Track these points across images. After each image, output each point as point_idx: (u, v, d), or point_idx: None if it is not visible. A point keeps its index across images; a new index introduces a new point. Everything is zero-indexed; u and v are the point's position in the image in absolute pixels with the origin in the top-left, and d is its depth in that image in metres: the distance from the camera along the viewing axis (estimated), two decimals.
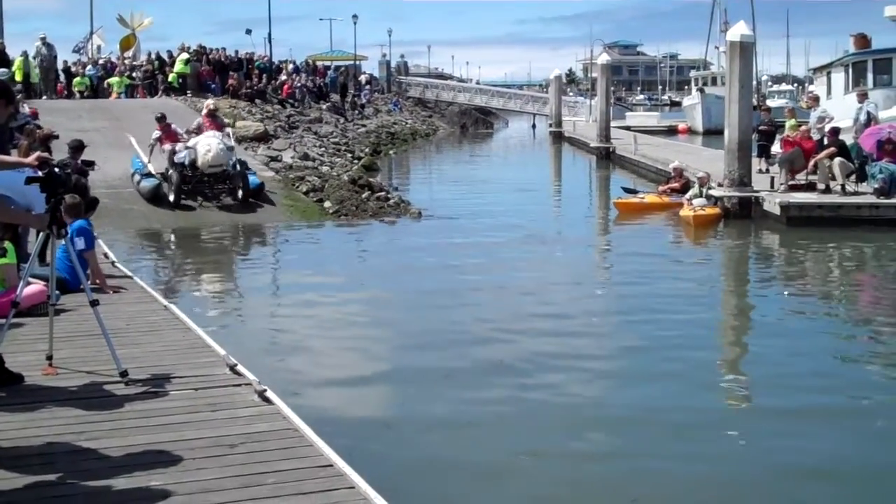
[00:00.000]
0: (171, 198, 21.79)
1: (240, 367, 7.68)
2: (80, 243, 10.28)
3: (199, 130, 22.94)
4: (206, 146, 21.83)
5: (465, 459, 8.06)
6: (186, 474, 5.60)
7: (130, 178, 22.95)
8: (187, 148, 22.05)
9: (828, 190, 21.92)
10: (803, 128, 24.03)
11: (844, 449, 8.41)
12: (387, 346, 11.96)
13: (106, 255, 13.13)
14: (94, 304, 7.53)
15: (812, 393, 9.94)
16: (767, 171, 24.58)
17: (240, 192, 22.35)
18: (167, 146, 22.41)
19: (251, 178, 22.95)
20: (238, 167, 22.60)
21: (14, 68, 35.58)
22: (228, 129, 24.71)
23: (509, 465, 7.93)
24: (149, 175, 22.43)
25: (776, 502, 7.47)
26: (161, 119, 23.54)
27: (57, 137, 15.70)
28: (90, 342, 8.29)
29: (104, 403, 6.91)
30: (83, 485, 5.45)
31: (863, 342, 12.45)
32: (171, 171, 21.99)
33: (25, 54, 37.96)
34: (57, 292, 8.24)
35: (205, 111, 24.22)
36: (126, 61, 46.12)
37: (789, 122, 25.48)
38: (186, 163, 21.97)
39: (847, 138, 22.72)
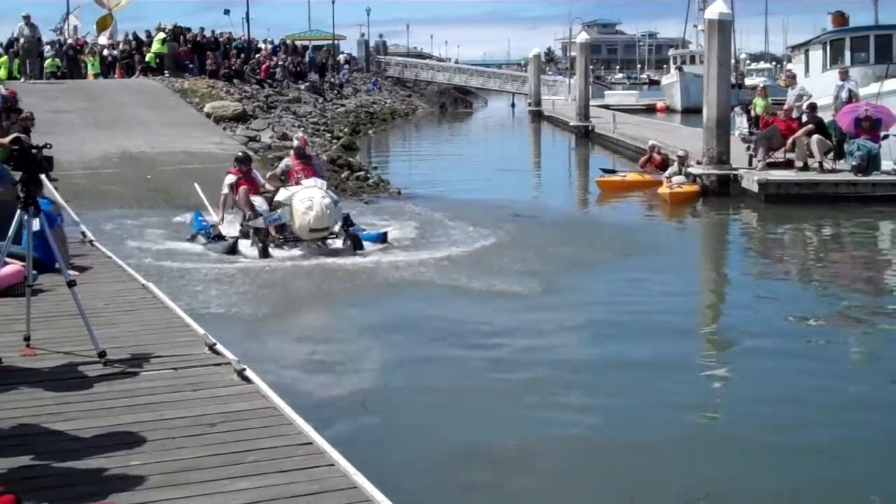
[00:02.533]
0: (259, 255, 15.46)
1: (219, 347, 7.66)
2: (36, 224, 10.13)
3: (285, 176, 16.76)
4: (307, 202, 15.41)
5: (444, 437, 8.10)
6: (166, 454, 5.60)
7: (190, 237, 16.92)
8: (278, 205, 15.92)
9: (805, 167, 22.01)
10: (785, 107, 24.09)
11: (819, 420, 8.49)
12: (366, 325, 11.94)
13: (84, 235, 13.06)
14: (71, 284, 7.49)
15: (787, 375, 9.98)
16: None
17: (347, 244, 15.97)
18: (241, 198, 16.75)
19: (365, 233, 16.52)
20: (346, 224, 16.23)
21: None
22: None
23: (488, 442, 7.96)
24: (219, 237, 16.30)
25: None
26: (244, 160, 17.44)
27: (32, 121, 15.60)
28: (68, 322, 8.24)
29: (82, 384, 6.88)
30: (61, 465, 5.43)
31: (835, 317, 12.55)
32: (252, 237, 16.05)
33: None
34: (34, 272, 8.20)
35: (296, 142, 17.87)
36: (101, 40, 45.82)
37: (761, 102, 25.54)
38: (285, 224, 15.89)
39: (826, 116, 22.80)
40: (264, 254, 15.42)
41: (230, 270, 14.41)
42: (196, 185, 18.73)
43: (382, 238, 16.49)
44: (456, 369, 9.93)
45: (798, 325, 12.01)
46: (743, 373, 10.15)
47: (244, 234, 16.29)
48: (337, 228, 15.89)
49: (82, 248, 12.36)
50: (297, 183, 16.18)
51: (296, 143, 17.89)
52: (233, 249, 15.68)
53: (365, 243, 15.94)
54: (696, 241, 18.71)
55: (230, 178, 17.01)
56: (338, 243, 15.95)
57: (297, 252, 15.64)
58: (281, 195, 16.01)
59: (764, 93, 26.14)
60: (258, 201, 16.51)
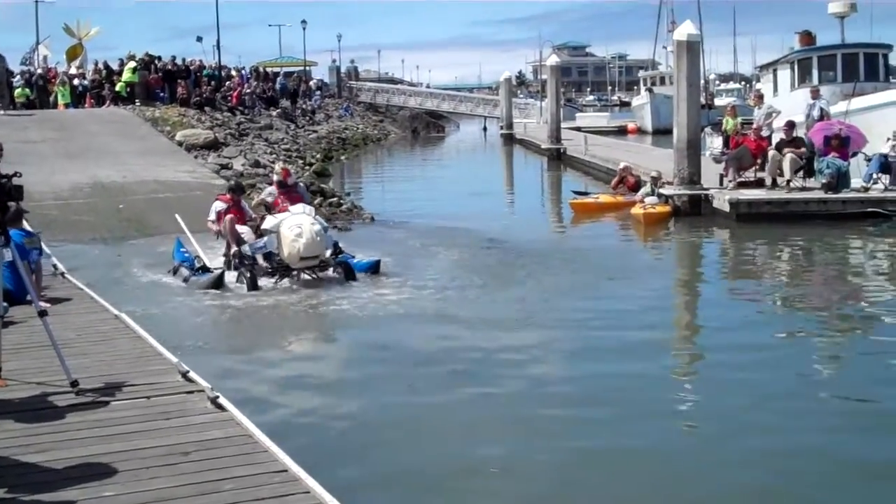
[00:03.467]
0: (247, 288, 14.82)
1: (192, 374, 7.62)
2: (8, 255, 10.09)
3: (270, 205, 16.32)
4: (296, 229, 14.82)
5: (422, 463, 8.05)
6: (140, 483, 5.56)
7: (172, 270, 16.19)
8: (265, 233, 15.30)
9: (774, 183, 22.17)
10: (754, 126, 24.27)
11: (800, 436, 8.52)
12: (342, 351, 11.93)
13: (55, 267, 12.98)
14: (42, 314, 7.44)
15: (759, 386, 10.03)
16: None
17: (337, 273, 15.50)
18: (226, 226, 15.84)
19: (357, 262, 15.84)
20: (335, 252, 15.70)
21: None
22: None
23: (466, 469, 7.89)
24: (203, 269, 15.62)
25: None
26: (236, 190, 16.86)
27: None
28: (39, 353, 8.20)
29: (54, 414, 6.84)
30: (33, 498, 5.39)
31: (807, 333, 12.64)
32: (239, 269, 15.31)
33: None
34: (5, 304, 8.13)
35: (276, 176, 16.99)
36: (72, 69, 45.71)
37: (731, 121, 25.72)
38: (272, 253, 15.24)
39: (797, 133, 22.96)
40: (252, 286, 14.78)
41: (207, 301, 14.31)
42: (177, 216, 18.00)
43: (375, 267, 15.82)
44: (436, 396, 9.82)
45: (771, 341, 12.05)
46: (718, 386, 10.20)
47: (229, 265, 15.62)
48: (327, 255, 15.34)
49: (54, 281, 12.28)
50: (277, 212, 15.65)
51: (275, 177, 16.95)
52: (219, 282, 14.94)
53: (357, 272, 15.39)
54: (670, 262, 18.76)
55: (218, 206, 16.21)
56: (328, 272, 15.41)
57: (286, 283, 15.09)
58: (268, 223, 15.35)
59: (733, 112, 26.33)
60: (244, 231, 15.82)
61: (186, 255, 16.41)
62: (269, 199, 16.40)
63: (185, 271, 15.79)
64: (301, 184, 18.08)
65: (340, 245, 16.04)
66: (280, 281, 15.13)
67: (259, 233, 15.57)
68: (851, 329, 12.87)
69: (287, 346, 12.07)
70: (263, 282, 15.01)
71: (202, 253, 16.11)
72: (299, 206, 15.50)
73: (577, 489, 7.54)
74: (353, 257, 15.97)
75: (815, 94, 24.30)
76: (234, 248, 15.53)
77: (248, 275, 14.90)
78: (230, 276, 15.15)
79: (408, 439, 8.61)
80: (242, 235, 15.72)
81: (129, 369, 7.98)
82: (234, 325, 13.16)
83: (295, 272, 15.16)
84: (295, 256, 14.84)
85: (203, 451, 6.06)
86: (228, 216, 15.78)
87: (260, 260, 15.35)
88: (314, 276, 15.24)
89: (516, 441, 8.47)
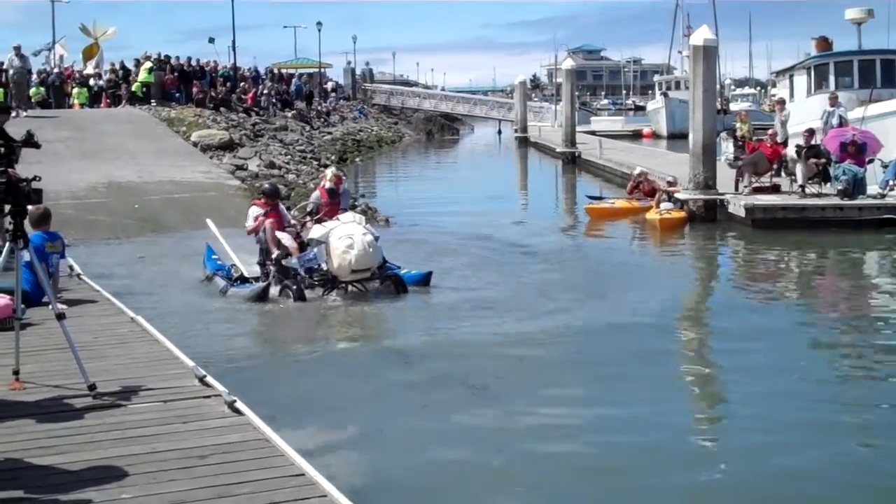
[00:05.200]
0: (293, 301, 14.04)
1: (209, 379, 7.64)
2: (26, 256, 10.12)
3: (316, 212, 15.50)
4: (346, 240, 13.89)
5: (437, 468, 8.07)
6: (157, 486, 5.57)
7: (206, 279, 15.57)
8: (314, 243, 14.34)
9: (790, 174, 22.23)
10: (770, 132, 24.26)
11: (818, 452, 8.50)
12: (358, 355, 11.92)
13: (71, 268, 13.01)
14: (60, 317, 7.47)
15: (777, 397, 10.02)
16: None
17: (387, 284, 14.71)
18: (266, 233, 14.77)
19: (407, 273, 15.05)
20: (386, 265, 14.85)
21: None
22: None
23: (483, 477, 7.92)
24: (242, 280, 14.99)
25: None
26: (272, 194, 15.52)
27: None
28: (57, 356, 8.22)
29: (72, 417, 6.86)
30: (52, 499, 5.40)
31: (824, 342, 12.63)
32: (283, 281, 14.39)
33: None
34: (22, 306, 8.17)
35: (325, 183, 16.17)
36: (88, 69, 45.86)
37: (743, 127, 25.68)
38: (314, 267, 14.40)
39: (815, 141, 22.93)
40: (299, 297, 13.99)
41: (226, 304, 14.29)
42: (209, 222, 17.21)
43: (426, 279, 15.05)
44: (454, 410, 9.69)
45: (789, 350, 12.01)
46: (733, 394, 10.25)
47: (266, 275, 14.75)
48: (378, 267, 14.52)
49: (69, 282, 12.31)
50: (320, 222, 14.81)
51: (327, 184, 16.08)
52: (264, 295, 14.13)
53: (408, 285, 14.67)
54: (687, 268, 18.65)
55: (255, 211, 15.11)
56: (375, 284, 14.62)
57: (333, 296, 14.30)
58: (316, 232, 14.35)
59: (745, 117, 26.27)
60: (284, 237, 14.77)
61: (220, 263, 15.73)
62: (311, 207, 15.68)
63: (221, 281, 15.08)
64: (347, 190, 17.20)
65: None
66: (327, 293, 14.32)
67: (306, 243, 14.61)
68: (868, 336, 12.81)
69: (307, 352, 12.06)
70: (309, 294, 14.21)
71: (238, 261, 15.44)
72: (349, 215, 14.77)
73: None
74: (400, 268, 15.12)
75: (834, 102, 24.27)
76: (275, 253, 14.58)
77: (294, 287, 14.08)
78: (273, 289, 14.34)
79: (424, 446, 8.61)
80: (284, 243, 14.72)
81: (146, 373, 7.99)
82: (253, 330, 13.17)
83: (342, 284, 14.35)
84: (346, 269, 13.98)
85: (220, 455, 6.07)
86: (268, 221, 14.80)
87: (301, 272, 14.45)
88: (362, 288, 14.50)
89: (528, 453, 8.44)
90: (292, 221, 15.39)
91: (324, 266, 14.30)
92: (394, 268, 14.94)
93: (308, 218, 15.40)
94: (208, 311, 13.85)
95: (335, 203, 15.61)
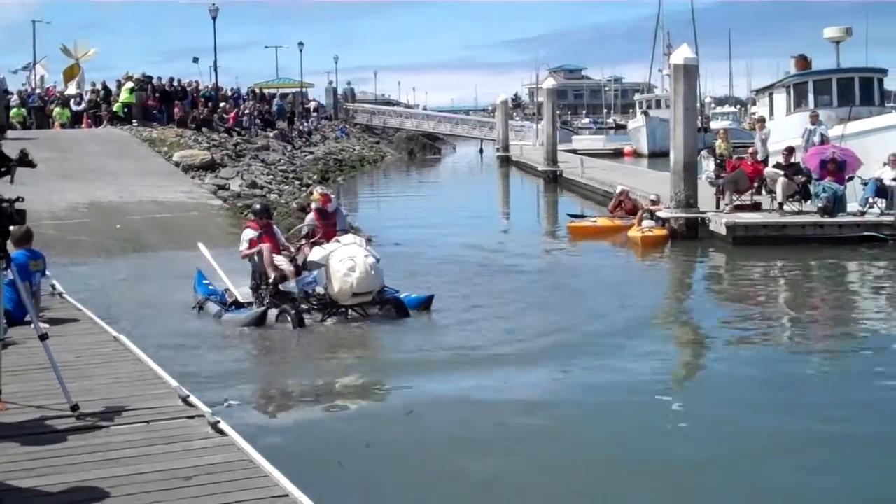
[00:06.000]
0: (292, 327, 13.54)
1: (192, 399, 7.60)
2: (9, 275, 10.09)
3: (311, 235, 14.99)
4: (348, 262, 13.45)
5: (422, 486, 8.05)
6: None
7: (197, 306, 14.92)
8: (313, 266, 13.85)
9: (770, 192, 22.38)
10: (750, 150, 24.41)
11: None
12: (340, 374, 11.89)
13: (53, 287, 12.95)
14: (43, 337, 7.43)
15: (753, 410, 10.06)
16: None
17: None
18: (263, 257, 14.31)
19: (408, 297, 14.64)
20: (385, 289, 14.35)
21: None
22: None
23: (471, 494, 7.90)
24: (236, 305, 14.64)
25: None
26: (263, 213, 15.12)
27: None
28: (39, 376, 8.17)
29: (55, 438, 6.81)
30: None
31: (804, 358, 12.72)
32: (281, 306, 13.90)
33: None
34: (5, 325, 8.12)
35: (314, 204, 15.69)
36: (69, 90, 45.77)
37: (723, 145, 25.80)
38: (314, 291, 14.00)
39: (794, 158, 23.07)
40: (299, 323, 13.48)
41: (210, 325, 14.22)
42: (201, 246, 16.74)
43: (427, 303, 14.65)
44: (441, 428, 9.72)
45: (769, 366, 12.08)
46: (716, 408, 10.23)
47: (260, 299, 14.29)
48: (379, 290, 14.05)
49: (52, 301, 12.25)
50: (318, 244, 14.34)
51: (314, 204, 15.67)
52: (261, 320, 13.68)
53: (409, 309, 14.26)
54: (669, 286, 18.71)
55: (249, 234, 14.57)
56: (375, 310, 14.15)
57: (332, 321, 13.84)
58: (315, 254, 13.83)
59: (725, 136, 26.38)
60: (281, 261, 14.37)
61: (212, 287, 15.28)
62: (306, 230, 15.22)
63: (214, 307, 14.61)
64: (342, 210, 16.40)
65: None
66: (327, 318, 13.86)
67: (306, 266, 14.11)
68: (849, 352, 12.93)
69: (295, 374, 12.02)
70: (308, 319, 13.78)
71: (232, 286, 15.00)
72: (349, 237, 14.35)
73: None
74: (398, 292, 14.63)
75: (815, 120, 24.42)
76: (272, 277, 14.10)
77: (293, 311, 13.61)
78: (271, 314, 13.88)
79: (408, 469, 8.59)
80: (280, 266, 14.30)
81: (129, 392, 7.95)
82: (236, 351, 13.07)
83: (342, 309, 13.92)
84: (347, 292, 13.52)
85: (204, 476, 6.04)
86: (265, 245, 14.31)
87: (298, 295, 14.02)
88: (363, 313, 14.05)
89: (515, 465, 8.46)
90: (286, 244, 15.00)
91: (320, 290, 13.83)
92: (392, 291, 14.47)
93: (304, 241, 14.89)
94: (192, 332, 13.79)
95: (330, 224, 15.10)
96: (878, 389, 11.08)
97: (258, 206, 15.71)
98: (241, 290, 14.84)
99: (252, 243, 14.43)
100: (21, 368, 8.64)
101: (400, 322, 14.02)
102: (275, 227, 15.29)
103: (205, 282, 15.49)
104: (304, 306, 13.92)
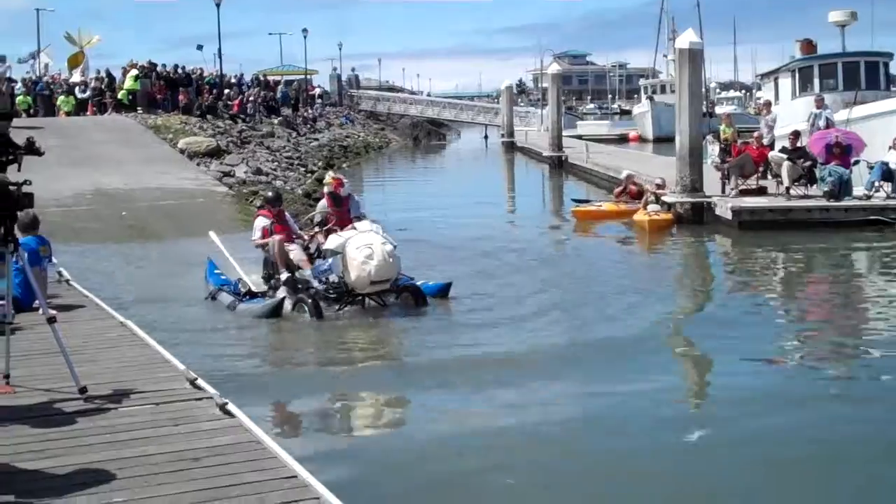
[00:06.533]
0: (309, 316, 13.24)
1: (200, 381, 7.62)
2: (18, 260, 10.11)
3: (324, 223, 14.63)
4: (365, 250, 13.03)
5: (430, 468, 8.08)
6: (149, 489, 5.56)
7: (210, 296, 14.74)
8: (328, 253, 13.48)
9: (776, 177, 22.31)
10: (756, 134, 24.37)
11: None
12: (348, 358, 11.92)
13: (60, 274, 12.98)
14: (51, 320, 7.45)
15: (762, 401, 10.02)
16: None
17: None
18: (273, 250, 14.08)
19: (425, 285, 14.29)
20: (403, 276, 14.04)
21: None
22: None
23: (476, 477, 7.92)
24: (251, 296, 14.29)
25: None
26: (275, 200, 14.94)
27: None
28: (48, 360, 8.19)
29: (64, 420, 6.84)
30: (44, 503, 5.38)
31: (811, 343, 12.70)
32: (298, 295, 13.64)
33: None
34: (13, 311, 8.15)
35: (327, 188, 15.31)
36: (74, 77, 45.78)
37: (727, 129, 25.74)
38: (329, 279, 13.55)
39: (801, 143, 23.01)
40: (316, 314, 13.15)
41: (217, 309, 14.21)
42: (212, 234, 16.43)
43: (445, 290, 14.36)
44: (450, 412, 9.71)
45: (776, 352, 12.05)
46: (720, 400, 10.27)
47: (273, 289, 14.05)
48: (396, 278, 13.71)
49: (59, 288, 12.27)
50: (332, 232, 13.96)
51: (326, 188, 15.24)
52: (278, 311, 13.41)
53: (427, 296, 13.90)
54: (676, 270, 18.61)
55: (262, 222, 14.38)
56: (390, 298, 13.88)
57: (349, 310, 13.57)
58: (332, 242, 13.39)
59: (729, 121, 26.32)
60: (293, 249, 14.17)
61: (224, 277, 15.03)
62: (318, 218, 14.89)
63: (227, 297, 14.33)
64: (355, 196, 15.63)
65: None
66: (344, 308, 13.55)
67: (322, 254, 13.83)
68: (856, 338, 12.87)
69: (304, 359, 12.07)
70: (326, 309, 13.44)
71: (245, 275, 14.72)
72: (366, 223, 13.81)
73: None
74: (413, 279, 14.28)
75: (821, 104, 24.35)
76: (284, 275, 13.86)
77: (311, 301, 13.26)
78: (287, 303, 13.60)
79: (418, 448, 8.63)
80: (291, 254, 14.12)
81: (137, 376, 7.98)
82: (245, 336, 13.06)
83: (359, 298, 13.64)
84: (365, 280, 13.10)
85: (212, 458, 6.06)
86: (277, 237, 14.06)
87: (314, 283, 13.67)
88: (381, 302, 13.80)
89: (522, 464, 8.41)
90: (299, 231, 14.74)
91: (334, 278, 13.45)
92: (407, 279, 14.10)
93: (317, 229, 14.56)
94: (198, 317, 13.84)
95: (343, 210, 14.74)
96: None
97: (270, 194, 15.51)
98: (253, 279, 14.62)
99: (264, 232, 14.22)
100: (29, 353, 8.66)
101: (418, 313, 13.69)
102: (287, 215, 15.04)
103: (216, 271, 15.25)
104: (318, 287, 13.59)
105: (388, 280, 13.40)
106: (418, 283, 14.14)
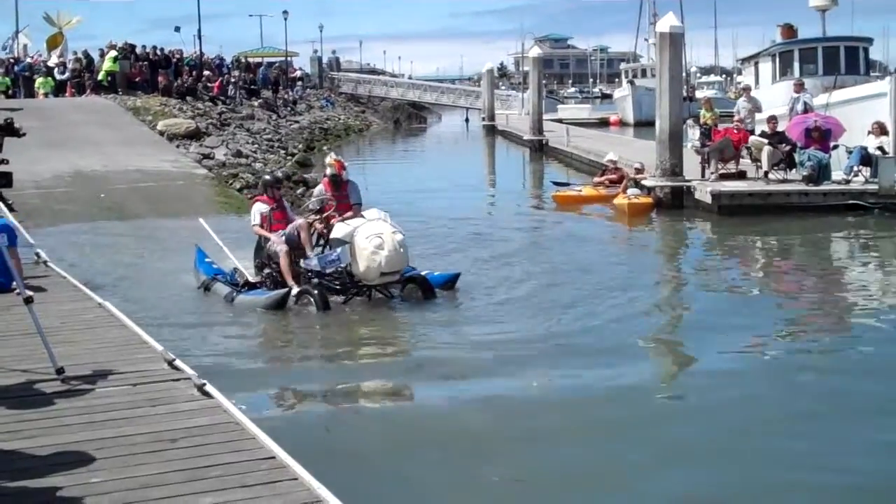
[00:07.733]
0: (315, 308, 12.53)
1: (178, 362, 7.60)
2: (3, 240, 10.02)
3: (323, 210, 13.78)
4: (375, 240, 12.40)
5: (406, 450, 8.09)
6: (127, 470, 5.55)
7: (202, 286, 13.86)
8: (334, 242, 12.92)
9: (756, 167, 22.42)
10: (736, 118, 24.41)
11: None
12: (325, 339, 11.91)
13: (38, 255, 12.92)
14: (28, 301, 7.41)
15: (741, 386, 10.04)
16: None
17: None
18: (279, 256, 13.25)
19: (431, 275, 13.65)
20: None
21: None
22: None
23: (451, 456, 7.96)
24: (249, 286, 13.51)
25: None
26: (275, 184, 14.15)
27: None
28: (24, 341, 8.15)
29: (41, 401, 6.81)
30: (20, 484, 5.37)
31: (785, 327, 12.72)
32: (304, 286, 12.97)
33: None
34: None
35: (329, 170, 14.03)
36: (53, 59, 45.49)
37: (707, 114, 25.78)
38: (335, 270, 12.86)
39: (780, 127, 23.07)
40: (323, 305, 12.50)
41: (195, 291, 14.10)
42: (202, 221, 15.77)
43: (453, 280, 13.76)
44: (429, 395, 9.74)
45: (754, 336, 12.07)
46: (701, 387, 10.23)
47: (270, 277, 13.40)
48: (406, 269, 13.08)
49: (36, 269, 12.21)
50: (329, 220, 13.48)
51: (328, 170, 14.03)
52: (283, 303, 12.67)
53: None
54: (656, 255, 18.68)
55: (261, 208, 13.62)
56: (397, 289, 13.25)
57: (355, 302, 13.01)
58: (339, 231, 12.78)
59: (709, 105, 26.33)
60: (273, 237, 13.45)
61: (216, 266, 14.20)
62: (317, 205, 13.89)
63: (223, 288, 13.55)
64: (353, 181, 14.42)
65: None
66: (351, 299, 12.99)
67: (328, 243, 13.29)
68: (834, 321, 12.97)
69: (277, 339, 12.08)
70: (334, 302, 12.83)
71: (240, 265, 13.98)
72: (374, 211, 13.26)
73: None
74: (415, 269, 13.51)
75: (800, 89, 24.38)
76: (294, 289, 12.92)
77: (316, 292, 12.61)
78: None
79: (397, 431, 8.64)
80: (271, 241, 13.38)
81: (114, 357, 7.94)
82: (223, 317, 12.99)
83: (366, 289, 13.04)
84: (374, 272, 12.49)
85: (190, 438, 6.05)
86: (284, 248, 13.29)
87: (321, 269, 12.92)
88: (388, 294, 13.21)
89: (500, 450, 8.36)
90: (297, 220, 13.75)
91: (338, 267, 12.83)
92: (409, 269, 13.28)
93: (316, 217, 13.76)
94: (176, 298, 13.77)
95: (342, 196, 13.84)
96: (867, 358, 11.08)
97: (268, 178, 14.61)
98: (244, 264, 14.02)
99: (262, 219, 13.55)
100: (5, 334, 8.65)
101: (426, 305, 13.12)
102: (285, 201, 14.34)
103: (207, 260, 14.41)
104: (317, 268, 12.96)
105: (399, 272, 12.84)
106: (424, 274, 13.53)
